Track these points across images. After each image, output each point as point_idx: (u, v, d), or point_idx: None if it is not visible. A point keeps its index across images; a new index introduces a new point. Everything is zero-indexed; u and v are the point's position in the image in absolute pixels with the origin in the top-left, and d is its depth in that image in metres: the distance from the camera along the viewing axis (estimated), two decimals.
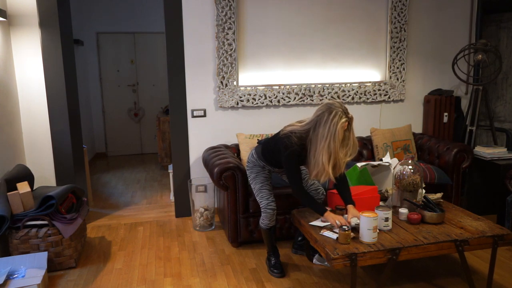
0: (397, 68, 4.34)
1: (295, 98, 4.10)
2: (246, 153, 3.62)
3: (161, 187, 5.12)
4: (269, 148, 2.79)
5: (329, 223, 2.61)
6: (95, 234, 3.70)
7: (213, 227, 3.80)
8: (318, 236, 2.48)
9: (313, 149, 2.52)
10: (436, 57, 4.48)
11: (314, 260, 3.05)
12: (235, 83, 3.96)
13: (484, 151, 3.87)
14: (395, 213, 2.74)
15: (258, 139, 3.27)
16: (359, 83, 4.27)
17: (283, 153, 2.61)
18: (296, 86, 4.10)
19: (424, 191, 2.88)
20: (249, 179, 2.95)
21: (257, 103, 4.04)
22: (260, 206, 2.88)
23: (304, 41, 4.10)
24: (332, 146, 2.45)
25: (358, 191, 2.84)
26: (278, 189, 3.23)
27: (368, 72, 4.32)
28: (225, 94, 3.95)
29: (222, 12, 3.81)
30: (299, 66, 4.12)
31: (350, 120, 2.50)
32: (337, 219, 2.52)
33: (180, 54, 3.84)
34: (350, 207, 2.63)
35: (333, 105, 2.49)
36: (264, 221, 2.88)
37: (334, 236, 2.44)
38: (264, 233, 2.94)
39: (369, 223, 2.34)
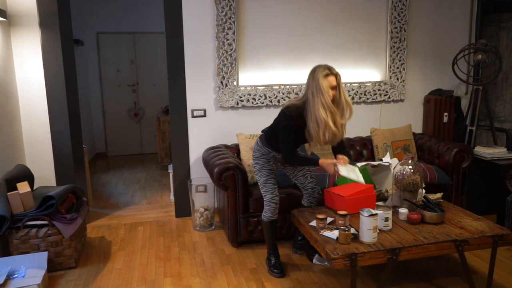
0: (397, 68, 4.34)
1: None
2: (246, 153, 3.62)
3: (161, 187, 5.12)
4: (272, 131, 2.85)
5: (328, 222, 2.61)
6: (95, 234, 3.70)
7: (213, 227, 3.80)
8: (318, 236, 2.48)
9: (309, 112, 2.61)
10: (436, 57, 4.48)
11: (314, 260, 3.05)
12: (235, 83, 3.97)
13: (484, 151, 3.88)
14: (395, 213, 2.74)
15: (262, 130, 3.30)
16: (359, 83, 4.27)
17: (282, 122, 2.69)
18: (296, 86, 4.10)
19: (424, 191, 2.88)
20: (254, 170, 2.98)
21: (257, 103, 4.04)
22: (264, 199, 2.89)
23: (304, 41, 4.10)
24: (323, 101, 2.56)
25: (354, 190, 2.84)
26: (280, 188, 3.22)
27: (368, 72, 4.32)
28: (225, 94, 3.95)
29: (222, 12, 3.81)
30: (299, 66, 4.12)
31: (335, 76, 2.61)
32: (332, 162, 2.70)
33: (180, 54, 3.84)
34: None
35: (316, 66, 2.65)
36: (266, 213, 2.90)
37: (334, 236, 2.44)
38: (265, 227, 2.95)
39: (369, 223, 2.34)
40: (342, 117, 2.67)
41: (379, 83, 4.32)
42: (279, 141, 2.77)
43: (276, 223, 2.97)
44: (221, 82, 3.93)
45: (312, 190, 3.02)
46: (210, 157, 3.49)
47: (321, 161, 2.73)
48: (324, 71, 2.59)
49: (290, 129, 2.70)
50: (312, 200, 3.06)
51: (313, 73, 2.62)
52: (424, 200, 2.78)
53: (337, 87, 2.63)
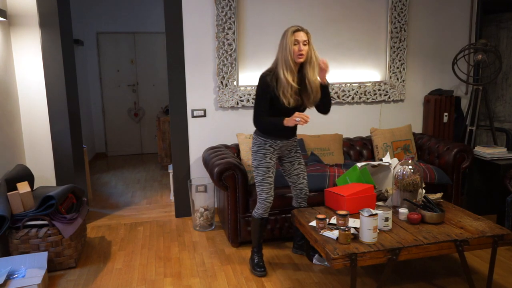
0: (397, 68, 4.34)
1: None
2: (246, 153, 3.62)
3: (161, 187, 5.12)
4: None
5: (329, 222, 2.61)
6: (95, 234, 3.70)
7: (213, 227, 3.80)
8: (318, 236, 2.48)
9: (277, 71, 2.64)
10: (436, 57, 4.48)
11: (314, 260, 3.05)
12: (235, 83, 3.97)
13: (484, 151, 3.87)
14: (395, 213, 2.74)
15: None
16: (359, 83, 4.27)
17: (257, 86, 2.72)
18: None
19: (424, 191, 2.88)
20: (252, 166, 2.92)
21: None
22: (258, 196, 2.87)
23: None
24: (286, 58, 2.59)
25: (354, 190, 2.84)
26: (278, 189, 3.22)
27: (368, 72, 4.32)
28: (225, 94, 3.95)
29: (222, 12, 3.81)
30: None
31: (306, 33, 2.61)
32: (296, 116, 2.59)
33: (180, 54, 3.85)
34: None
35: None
36: (258, 210, 2.88)
37: (334, 236, 2.44)
38: (255, 224, 2.92)
39: (369, 223, 2.34)
40: (313, 73, 2.68)
41: (379, 83, 4.32)
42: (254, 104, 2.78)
43: (266, 222, 2.95)
44: (221, 82, 3.93)
45: (300, 191, 2.99)
46: (210, 157, 3.49)
47: (285, 120, 2.66)
48: (293, 27, 2.61)
49: (260, 91, 2.69)
50: (300, 201, 3.04)
51: (284, 33, 2.64)
52: (424, 200, 2.78)
53: (307, 42, 2.62)
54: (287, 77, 2.59)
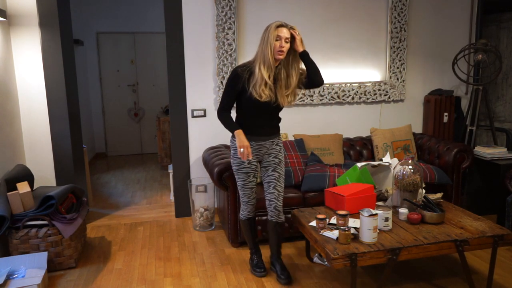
0: (397, 68, 4.34)
1: None
2: None
3: (161, 187, 5.12)
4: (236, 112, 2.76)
5: (328, 222, 2.61)
6: (95, 234, 3.70)
7: (213, 227, 3.80)
8: (318, 236, 2.48)
9: (256, 62, 2.53)
10: (436, 57, 4.48)
11: (314, 259, 3.05)
12: None
13: (484, 151, 3.87)
14: (395, 213, 2.74)
15: None
16: (359, 83, 4.27)
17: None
18: None
19: (424, 191, 2.88)
20: (233, 170, 2.80)
21: None
22: (241, 199, 2.83)
23: (304, 40, 4.06)
24: (265, 53, 2.47)
25: (354, 190, 2.84)
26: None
27: (368, 72, 4.32)
28: None
29: (222, 12, 3.81)
30: None
31: (286, 28, 2.50)
32: (244, 143, 2.52)
33: (180, 54, 3.84)
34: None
35: None
36: (243, 212, 2.85)
37: (334, 236, 2.44)
38: (243, 226, 2.89)
39: (369, 223, 2.34)
40: (292, 72, 2.58)
41: (379, 83, 4.32)
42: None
43: (253, 221, 2.91)
44: (221, 82, 3.93)
45: (269, 201, 2.74)
46: (210, 157, 3.49)
47: (237, 132, 2.58)
48: (277, 22, 2.51)
49: (228, 83, 2.60)
50: (271, 214, 2.75)
51: (267, 27, 2.52)
52: (424, 200, 2.78)
53: (289, 40, 2.51)
54: (263, 73, 2.49)
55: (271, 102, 2.59)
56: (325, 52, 4.16)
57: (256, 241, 2.98)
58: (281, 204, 2.75)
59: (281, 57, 2.52)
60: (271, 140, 2.74)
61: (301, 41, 2.59)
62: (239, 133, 2.59)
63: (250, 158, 2.59)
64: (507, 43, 4.58)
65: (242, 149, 2.55)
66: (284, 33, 2.49)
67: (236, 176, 2.79)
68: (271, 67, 2.51)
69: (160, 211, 4.27)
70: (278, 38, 2.48)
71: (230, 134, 3.97)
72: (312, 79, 2.64)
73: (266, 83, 2.51)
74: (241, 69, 2.57)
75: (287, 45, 2.52)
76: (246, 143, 2.56)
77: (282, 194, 2.76)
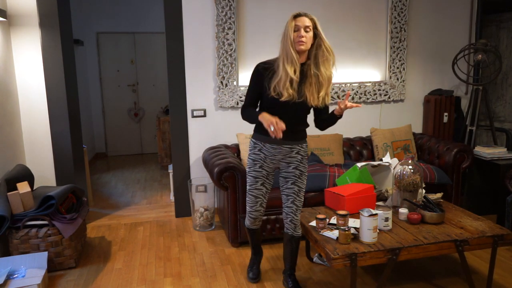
0: (397, 68, 4.34)
1: None
2: (246, 153, 3.62)
3: (161, 187, 5.12)
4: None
5: (329, 222, 2.61)
6: (95, 234, 3.70)
7: (213, 227, 3.80)
8: (318, 236, 2.48)
9: (279, 59, 2.33)
10: (436, 57, 4.48)
11: (315, 259, 3.05)
12: (235, 83, 3.96)
13: (484, 151, 3.88)
14: (395, 213, 2.74)
15: None
16: (359, 83, 4.27)
17: None
18: None
19: (424, 191, 2.88)
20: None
21: None
22: (246, 205, 2.70)
23: None
24: (286, 46, 2.28)
25: (354, 190, 2.84)
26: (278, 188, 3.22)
27: (368, 72, 4.32)
28: (225, 94, 3.95)
29: (222, 12, 3.81)
30: None
31: (306, 16, 2.31)
32: (270, 120, 2.25)
33: (180, 54, 3.85)
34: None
35: None
36: (246, 221, 2.75)
37: (334, 236, 2.44)
38: (246, 230, 2.82)
39: (369, 223, 2.34)
40: (324, 66, 2.34)
41: (379, 83, 4.32)
42: None
43: (254, 232, 2.77)
44: (221, 82, 3.93)
45: (286, 214, 2.56)
46: (210, 157, 3.49)
47: (260, 115, 2.33)
48: (294, 12, 2.32)
49: (250, 80, 2.44)
50: (287, 226, 2.58)
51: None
52: (424, 200, 2.78)
53: (312, 29, 2.30)
54: (287, 68, 2.27)
55: (292, 102, 2.35)
56: None
57: (257, 248, 2.88)
58: (298, 218, 2.56)
59: (303, 47, 2.29)
60: (289, 146, 2.46)
61: (348, 108, 2.37)
62: (263, 115, 2.32)
63: (284, 129, 2.25)
64: (507, 43, 4.58)
65: (272, 127, 2.24)
66: (303, 21, 2.28)
67: (247, 178, 2.61)
68: (295, 61, 2.29)
69: (160, 211, 4.27)
70: (297, 28, 2.28)
71: (230, 134, 4.03)
72: (321, 125, 2.58)
73: (291, 80, 2.30)
74: (263, 66, 2.40)
75: (309, 34, 2.29)
76: (273, 118, 2.26)
77: (301, 208, 2.56)
